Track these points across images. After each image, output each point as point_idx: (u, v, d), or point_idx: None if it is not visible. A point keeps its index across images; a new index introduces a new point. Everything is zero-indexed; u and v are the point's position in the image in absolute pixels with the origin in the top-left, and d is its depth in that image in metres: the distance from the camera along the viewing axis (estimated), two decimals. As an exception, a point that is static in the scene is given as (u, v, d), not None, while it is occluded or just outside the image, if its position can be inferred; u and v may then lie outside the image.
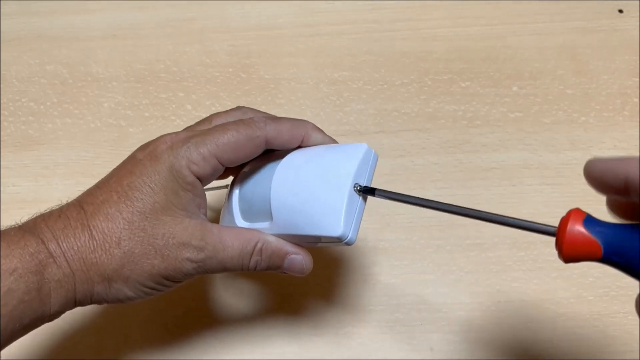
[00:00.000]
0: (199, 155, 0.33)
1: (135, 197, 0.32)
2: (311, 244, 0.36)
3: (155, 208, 0.33)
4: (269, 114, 0.38)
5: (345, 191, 0.34)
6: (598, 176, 0.31)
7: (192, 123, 0.51)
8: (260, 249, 0.35)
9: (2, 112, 0.53)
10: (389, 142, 0.50)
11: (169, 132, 0.49)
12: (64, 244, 0.31)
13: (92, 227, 0.32)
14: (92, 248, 0.32)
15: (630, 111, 0.51)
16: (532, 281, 0.44)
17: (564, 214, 0.46)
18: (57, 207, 0.34)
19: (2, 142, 0.52)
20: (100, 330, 0.43)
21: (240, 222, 0.37)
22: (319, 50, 0.55)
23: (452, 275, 0.45)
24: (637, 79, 0.52)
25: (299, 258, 0.36)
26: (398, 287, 0.45)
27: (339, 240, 0.34)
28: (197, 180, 0.34)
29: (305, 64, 0.54)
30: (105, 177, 0.35)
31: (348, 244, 0.34)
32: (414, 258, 0.46)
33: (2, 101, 0.54)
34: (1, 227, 0.32)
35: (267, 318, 0.44)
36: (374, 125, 0.51)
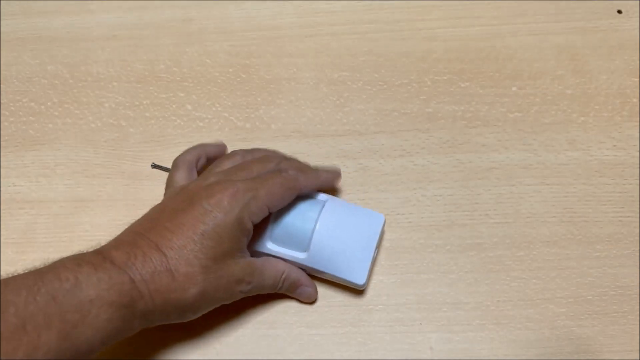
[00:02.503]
0: (257, 208, 0.40)
1: (208, 245, 0.38)
2: (329, 278, 0.44)
3: (223, 253, 0.39)
4: (296, 161, 0.46)
5: (370, 252, 0.43)
6: None
7: (192, 123, 0.52)
8: (284, 279, 0.43)
9: (2, 112, 0.53)
10: (388, 142, 0.50)
11: (170, 132, 0.50)
12: (151, 286, 0.36)
13: (174, 271, 0.37)
14: (173, 288, 0.37)
15: (630, 111, 0.51)
16: (531, 281, 0.44)
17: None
18: (130, 238, 0.38)
19: (2, 142, 0.52)
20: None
21: (270, 244, 0.43)
22: (319, 51, 0.55)
23: (452, 275, 0.45)
24: (637, 79, 0.53)
25: (308, 290, 0.44)
26: (398, 286, 0.45)
27: (358, 286, 0.43)
28: (252, 227, 0.40)
29: (305, 64, 0.54)
30: (168, 215, 0.39)
31: (361, 288, 0.43)
32: (414, 258, 0.46)
33: (2, 101, 0.54)
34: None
35: (267, 318, 0.44)
36: (374, 125, 0.51)
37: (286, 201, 0.42)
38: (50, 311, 0.32)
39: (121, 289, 0.35)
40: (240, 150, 0.47)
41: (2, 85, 0.54)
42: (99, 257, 0.36)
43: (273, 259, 0.43)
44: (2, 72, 0.55)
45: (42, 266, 0.34)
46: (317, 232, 0.42)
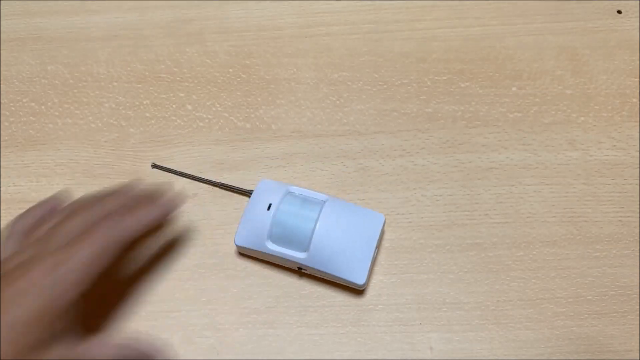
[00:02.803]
0: (71, 284, 0.35)
1: (15, 338, 0.33)
2: (329, 278, 0.43)
3: (34, 344, 0.34)
4: (121, 199, 0.41)
5: (370, 252, 0.43)
6: None
7: (192, 123, 0.52)
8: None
9: (3, 112, 0.53)
10: (388, 142, 0.50)
11: (170, 132, 0.49)
12: None
13: None
14: None
15: (629, 111, 0.51)
16: (531, 280, 0.45)
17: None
18: None
19: (3, 142, 0.52)
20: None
21: (269, 244, 0.43)
22: (318, 51, 0.55)
23: (452, 274, 0.45)
24: (636, 79, 0.53)
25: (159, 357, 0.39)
26: (397, 286, 0.45)
27: (358, 286, 0.43)
28: (73, 301, 0.35)
29: (305, 65, 0.54)
30: None
31: (361, 288, 0.43)
32: (414, 258, 0.46)
33: (3, 101, 0.54)
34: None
35: (267, 318, 0.44)
36: (374, 126, 0.51)
37: (110, 260, 0.37)
38: None
39: None
40: (59, 210, 0.42)
41: (2, 86, 0.54)
42: None
43: (104, 337, 0.38)
44: (2, 72, 0.55)
45: None
46: (317, 232, 0.42)
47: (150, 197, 0.42)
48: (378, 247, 0.45)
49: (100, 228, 0.37)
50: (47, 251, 0.36)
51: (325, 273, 0.43)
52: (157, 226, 0.43)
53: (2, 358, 0.32)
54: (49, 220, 0.40)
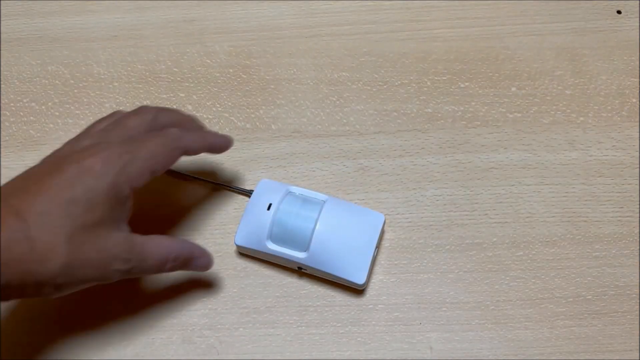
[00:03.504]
0: (136, 171, 0.36)
1: (76, 212, 0.34)
2: (329, 277, 0.43)
3: (94, 223, 0.35)
4: (177, 113, 0.43)
5: (370, 252, 0.43)
6: None
7: (192, 123, 0.52)
8: (175, 258, 0.39)
9: (3, 112, 0.53)
10: (388, 142, 0.50)
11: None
12: (6, 254, 0.32)
13: (34, 240, 0.33)
14: (31, 259, 0.33)
15: (629, 111, 0.51)
16: (530, 280, 0.45)
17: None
18: None
19: (3, 143, 0.52)
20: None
21: (270, 244, 0.43)
22: (319, 51, 0.55)
23: (452, 274, 0.45)
24: (636, 79, 0.53)
25: (203, 260, 0.41)
26: (397, 286, 0.45)
27: (358, 286, 0.43)
28: (132, 194, 0.37)
29: (305, 65, 0.55)
30: (34, 178, 0.36)
31: (361, 288, 0.43)
32: (414, 257, 0.46)
33: (3, 101, 0.54)
34: None
35: (267, 318, 0.44)
36: (374, 126, 0.51)
37: (170, 163, 0.39)
38: None
39: None
40: (119, 110, 0.44)
41: (2, 86, 0.55)
42: None
43: (157, 236, 0.39)
44: (2, 72, 0.55)
45: None
46: (317, 231, 0.42)
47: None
48: (378, 247, 0.45)
49: (168, 131, 0.39)
50: (114, 140, 0.37)
51: (325, 273, 0.43)
52: (213, 149, 0.44)
53: (58, 231, 0.33)
54: (109, 118, 0.41)
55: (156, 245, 0.38)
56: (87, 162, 0.35)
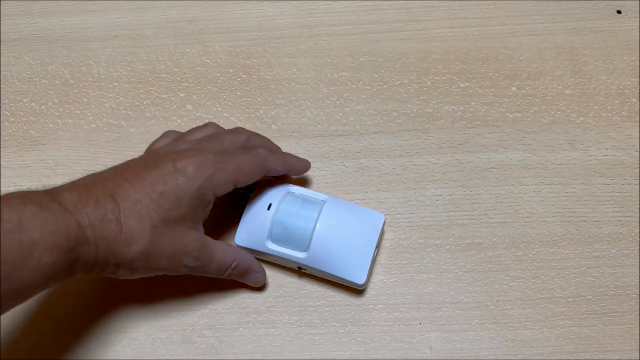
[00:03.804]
0: (222, 180, 0.40)
1: (164, 206, 0.37)
2: (329, 277, 0.44)
3: (176, 219, 0.38)
4: (268, 140, 0.47)
5: (370, 251, 0.43)
6: None
7: (192, 124, 0.52)
8: (235, 267, 0.42)
9: (3, 112, 0.53)
10: (388, 142, 0.50)
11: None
12: (98, 233, 0.35)
13: (123, 223, 0.36)
14: (118, 240, 0.36)
15: (629, 111, 0.51)
16: (530, 280, 0.45)
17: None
18: (87, 183, 0.37)
19: (3, 142, 0.52)
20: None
21: (270, 244, 0.43)
22: (318, 51, 0.55)
23: (451, 274, 0.45)
24: (636, 79, 0.53)
25: (258, 276, 0.44)
26: (397, 286, 0.45)
27: (358, 286, 0.43)
28: (214, 200, 0.40)
29: (305, 65, 0.55)
30: (131, 169, 0.39)
31: (361, 288, 0.43)
32: (414, 257, 0.46)
33: (3, 101, 0.54)
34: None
35: (267, 318, 0.44)
36: (374, 126, 0.51)
37: (254, 178, 0.42)
38: None
39: (67, 233, 0.33)
40: (213, 123, 0.47)
41: (2, 86, 0.55)
42: (48, 197, 0.34)
43: (226, 243, 0.42)
44: (2, 72, 0.55)
45: None
46: (317, 231, 0.42)
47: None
48: (378, 246, 0.45)
49: (257, 150, 0.43)
50: (209, 150, 0.41)
51: (325, 273, 0.43)
52: (293, 172, 0.47)
53: (145, 220, 0.37)
54: (205, 129, 0.45)
55: (223, 251, 0.41)
56: (182, 163, 0.39)
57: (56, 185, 0.36)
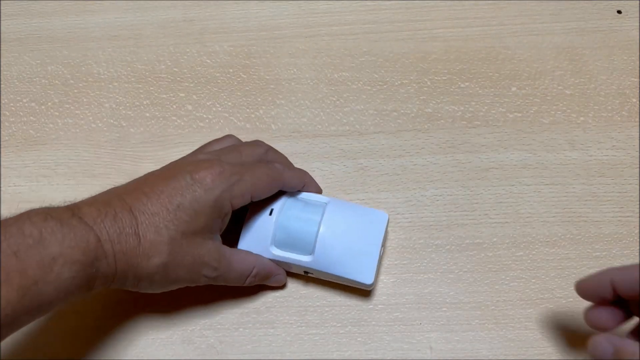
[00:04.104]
0: (240, 192, 0.39)
1: (182, 218, 0.37)
2: (336, 280, 0.43)
3: (194, 231, 0.38)
4: (284, 157, 0.47)
5: (376, 250, 0.42)
6: (590, 293, 0.38)
7: (192, 124, 0.52)
8: (255, 274, 0.42)
9: (3, 112, 0.53)
10: (388, 142, 0.50)
11: (170, 132, 0.50)
12: (117, 247, 0.36)
13: (142, 236, 0.37)
14: (137, 253, 0.36)
15: (629, 111, 0.51)
16: (530, 280, 0.45)
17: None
18: (106, 198, 0.38)
19: (3, 142, 0.52)
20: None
21: (274, 249, 0.43)
22: (318, 51, 0.55)
23: (452, 274, 0.45)
24: (636, 79, 0.53)
25: (279, 277, 0.44)
26: (398, 286, 0.45)
27: (366, 286, 0.42)
28: (231, 211, 0.40)
29: (305, 65, 0.55)
30: (149, 182, 0.39)
31: (369, 288, 0.43)
32: (414, 257, 0.46)
33: (3, 101, 0.54)
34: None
35: (267, 318, 0.44)
36: (374, 126, 0.51)
37: (270, 192, 0.42)
38: (10, 266, 0.31)
39: (86, 248, 0.34)
40: (232, 135, 0.47)
41: (2, 86, 0.55)
42: (68, 212, 0.35)
43: (244, 251, 0.42)
44: (2, 72, 0.55)
45: (9, 217, 0.34)
46: (321, 234, 0.42)
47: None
48: (383, 245, 0.44)
49: (274, 164, 0.43)
50: (227, 161, 0.41)
51: (332, 275, 0.43)
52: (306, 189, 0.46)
53: (163, 232, 0.37)
54: (224, 140, 0.45)
55: (241, 260, 0.42)
56: (200, 175, 0.39)
57: (76, 201, 0.37)
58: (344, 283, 0.43)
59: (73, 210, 0.35)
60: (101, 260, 0.35)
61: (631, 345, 0.34)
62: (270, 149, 0.46)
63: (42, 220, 0.33)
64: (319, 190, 0.46)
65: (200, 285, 0.45)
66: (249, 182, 0.40)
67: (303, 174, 0.46)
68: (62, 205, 0.36)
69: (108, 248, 0.35)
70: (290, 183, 0.44)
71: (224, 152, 0.43)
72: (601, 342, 0.35)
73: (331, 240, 0.42)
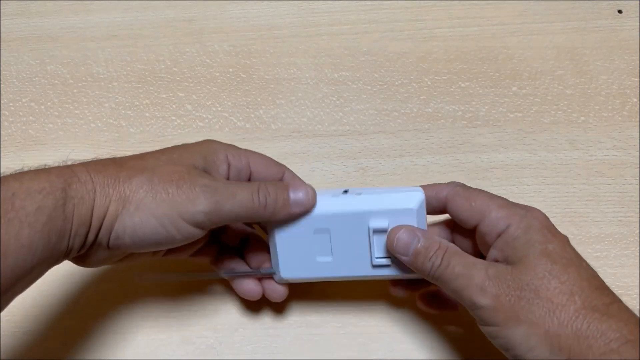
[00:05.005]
0: (237, 151, 0.38)
1: (166, 152, 0.36)
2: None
3: (180, 161, 0.35)
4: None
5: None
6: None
7: (192, 124, 0.52)
8: (265, 186, 0.36)
9: (2, 112, 0.53)
10: (388, 142, 0.50)
11: (170, 132, 0.50)
12: (92, 167, 0.33)
13: (122, 164, 0.34)
14: (116, 174, 0.33)
15: (630, 111, 0.51)
16: (531, 281, 0.44)
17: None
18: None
19: (2, 142, 0.52)
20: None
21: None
22: (318, 51, 0.55)
23: (452, 274, 0.45)
24: (637, 79, 0.53)
25: (302, 195, 0.37)
26: (398, 286, 0.45)
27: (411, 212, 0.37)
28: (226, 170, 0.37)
29: (305, 64, 0.54)
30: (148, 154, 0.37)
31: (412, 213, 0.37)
32: (414, 258, 0.46)
33: (2, 101, 0.54)
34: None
35: (267, 318, 0.44)
36: (374, 126, 0.51)
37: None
38: None
39: (49, 174, 0.31)
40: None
41: (2, 85, 0.54)
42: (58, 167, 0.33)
43: (243, 182, 0.38)
44: (2, 72, 0.55)
45: None
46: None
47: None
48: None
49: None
50: None
51: (377, 196, 0.37)
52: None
53: (150, 157, 0.35)
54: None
55: (240, 184, 0.36)
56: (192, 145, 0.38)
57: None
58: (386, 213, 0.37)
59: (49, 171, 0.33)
60: (73, 182, 0.32)
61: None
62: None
63: (13, 179, 0.31)
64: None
65: (199, 286, 0.45)
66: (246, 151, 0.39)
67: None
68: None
69: (81, 170, 0.32)
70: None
71: None
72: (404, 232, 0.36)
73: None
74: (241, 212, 0.35)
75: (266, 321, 0.44)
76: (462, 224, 0.37)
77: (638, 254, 0.45)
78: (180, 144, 0.38)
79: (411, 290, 0.41)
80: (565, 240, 0.35)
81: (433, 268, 0.35)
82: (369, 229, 0.37)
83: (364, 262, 0.38)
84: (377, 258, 0.38)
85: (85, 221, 0.32)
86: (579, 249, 0.45)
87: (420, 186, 0.38)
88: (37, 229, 0.30)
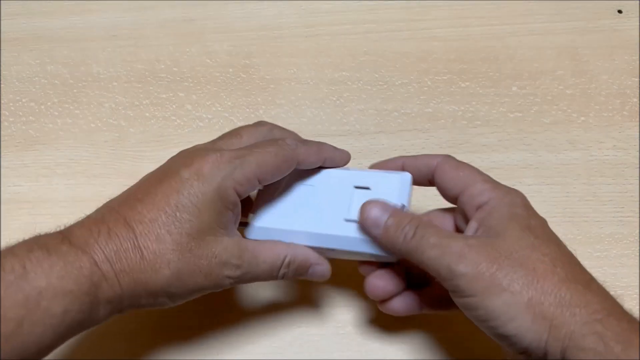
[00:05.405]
0: (244, 177, 0.35)
1: (183, 218, 0.33)
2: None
3: (201, 229, 0.34)
4: (294, 133, 0.41)
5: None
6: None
7: (192, 124, 0.52)
8: (288, 263, 0.37)
9: (2, 112, 0.53)
10: (388, 142, 0.50)
11: (170, 132, 0.50)
12: (117, 266, 0.32)
13: (143, 248, 0.33)
14: (142, 268, 0.32)
15: (630, 111, 0.51)
16: (531, 281, 0.44)
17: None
18: (99, 214, 0.34)
19: (2, 142, 0.52)
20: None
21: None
22: (318, 51, 0.55)
23: (452, 274, 0.45)
24: (637, 79, 0.53)
25: (321, 268, 0.39)
26: (398, 286, 0.45)
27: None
28: (239, 199, 0.35)
29: (305, 65, 0.54)
30: (143, 187, 0.35)
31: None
32: (414, 258, 0.46)
33: (2, 101, 0.54)
34: (1, 226, 0.32)
35: (267, 318, 0.44)
36: (374, 126, 0.51)
37: (280, 172, 0.37)
38: None
39: (79, 274, 0.30)
40: (271, 124, 0.42)
41: (2, 85, 0.54)
42: (58, 238, 0.32)
43: (271, 241, 0.38)
44: (2, 72, 0.55)
45: None
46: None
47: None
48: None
49: (281, 140, 0.37)
50: (225, 147, 0.37)
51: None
52: (329, 163, 0.41)
53: (166, 239, 0.33)
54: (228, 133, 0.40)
55: (269, 249, 0.37)
56: (195, 167, 0.34)
57: (69, 224, 0.34)
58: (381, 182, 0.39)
59: (63, 234, 0.32)
60: (100, 285, 0.31)
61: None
62: (275, 127, 0.40)
63: (26, 252, 0.30)
64: (344, 159, 0.41)
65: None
66: (253, 165, 0.35)
67: (320, 148, 0.39)
68: (54, 230, 0.33)
69: (107, 269, 0.32)
70: (307, 160, 0.38)
71: (222, 139, 0.38)
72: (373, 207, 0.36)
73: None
74: (261, 280, 0.37)
75: (266, 321, 0.44)
76: (446, 192, 0.38)
77: (638, 254, 0.45)
78: (184, 173, 0.35)
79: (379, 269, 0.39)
80: (544, 221, 0.36)
81: (406, 239, 0.34)
82: (352, 188, 0.39)
83: (339, 219, 0.38)
84: (352, 214, 0.37)
85: (113, 313, 0.33)
86: (579, 249, 0.45)
87: (413, 155, 0.40)
88: (60, 333, 0.30)
